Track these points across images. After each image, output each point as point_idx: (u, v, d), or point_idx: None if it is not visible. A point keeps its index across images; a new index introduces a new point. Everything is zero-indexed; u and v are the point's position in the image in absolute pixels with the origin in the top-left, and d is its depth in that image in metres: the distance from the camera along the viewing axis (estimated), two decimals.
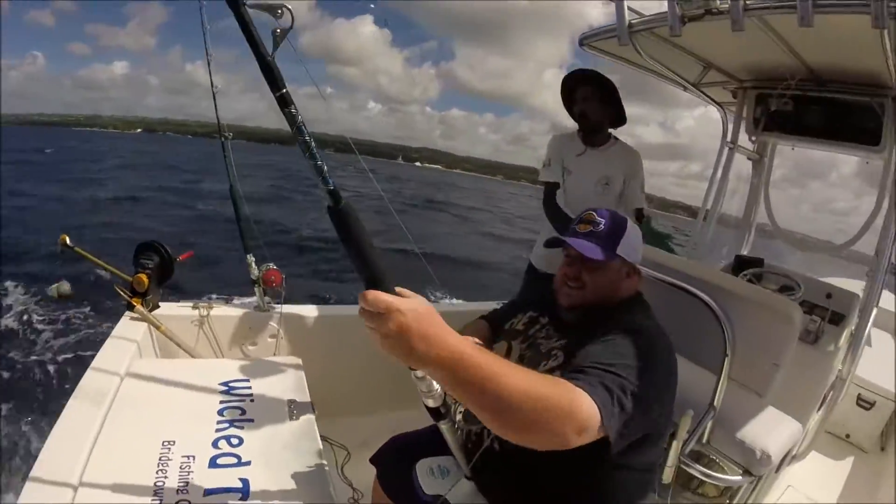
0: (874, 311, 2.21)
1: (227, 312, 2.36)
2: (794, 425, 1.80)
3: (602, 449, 1.14)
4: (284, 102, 0.85)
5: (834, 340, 2.36)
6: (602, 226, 1.35)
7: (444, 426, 1.16)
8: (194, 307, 2.27)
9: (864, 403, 3.09)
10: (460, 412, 1.26)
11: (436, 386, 1.03)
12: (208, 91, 2.17)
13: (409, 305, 0.82)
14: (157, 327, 2.06)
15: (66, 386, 1.53)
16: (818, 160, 3.40)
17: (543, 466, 1.23)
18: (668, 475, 1.54)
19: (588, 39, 2.29)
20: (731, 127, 3.02)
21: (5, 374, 4.77)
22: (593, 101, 2.52)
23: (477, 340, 1.42)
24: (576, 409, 0.93)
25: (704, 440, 1.66)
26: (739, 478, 1.64)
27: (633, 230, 1.39)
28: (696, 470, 1.60)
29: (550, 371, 1.27)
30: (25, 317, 6.16)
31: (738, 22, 1.63)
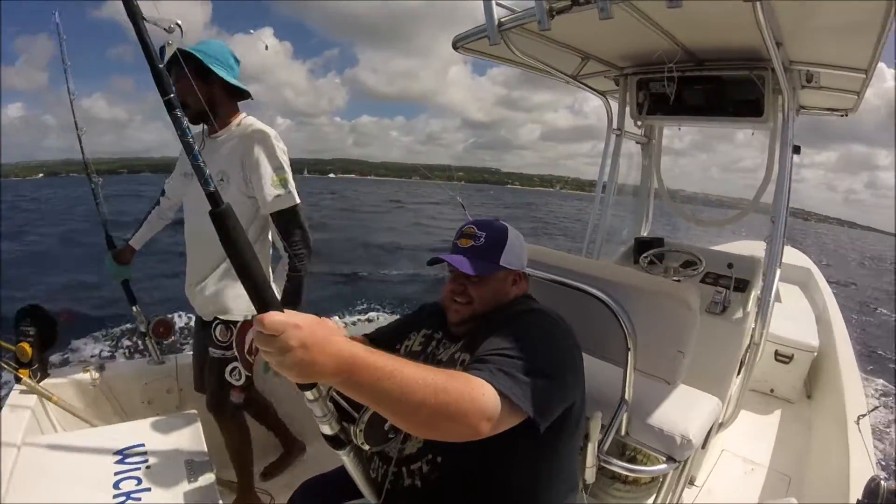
0: (777, 272, 2.31)
1: (120, 371, 2.26)
2: (712, 401, 1.85)
3: (530, 459, 1.16)
4: (171, 106, 0.90)
5: (741, 307, 2.46)
6: (483, 238, 1.35)
7: (345, 457, 1.12)
8: (85, 370, 2.14)
9: (783, 358, 3.25)
10: (360, 431, 1.21)
11: (330, 407, 1.02)
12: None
13: (304, 320, 0.83)
14: (49, 398, 1.93)
15: None
16: None
17: (471, 493, 1.20)
18: (590, 475, 1.54)
19: (461, 42, 2.23)
20: (615, 114, 3.08)
21: None
22: (186, 81, 1.82)
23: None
24: (477, 396, 0.94)
25: (623, 433, 1.67)
26: (663, 466, 1.66)
27: (514, 237, 1.39)
28: (619, 466, 1.61)
29: None
30: None
31: (606, 10, 1.63)
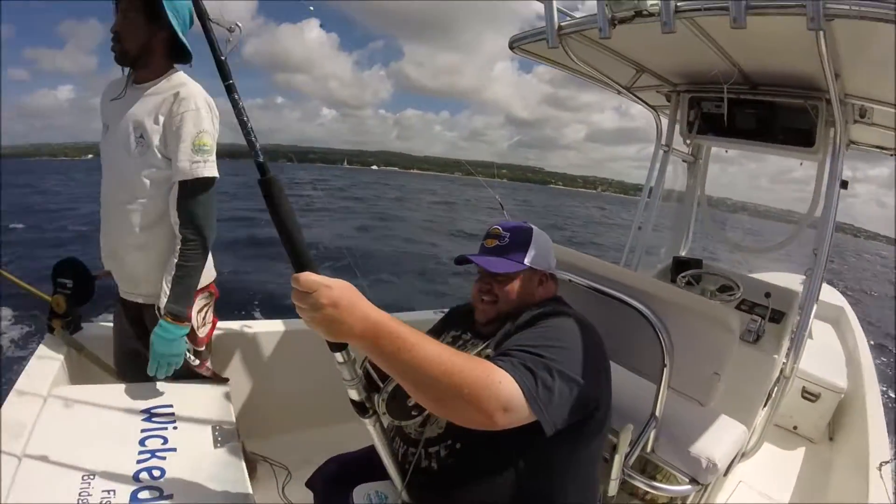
0: (814, 308, 2.27)
1: None
2: (739, 429, 1.81)
3: (546, 460, 1.16)
4: (230, 90, 0.99)
5: (775, 338, 2.42)
6: (507, 238, 1.40)
7: (370, 426, 1.14)
8: None
9: (810, 396, 3.17)
10: (383, 400, 1.25)
11: (358, 373, 1.06)
12: None
13: (335, 282, 0.89)
14: (79, 350, 1.96)
15: None
16: None
17: (485, 485, 1.20)
18: (613, 487, 1.52)
19: (517, 42, 2.25)
20: (664, 130, 3.05)
21: None
22: (135, 16, 1.65)
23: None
24: (494, 384, 0.96)
25: (649, 449, 1.65)
26: (687, 487, 1.64)
27: (540, 238, 1.43)
28: (641, 482, 1.59)
29: None
30: None
31: (669, 24, 1.63)
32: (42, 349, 1.88)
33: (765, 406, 2.31)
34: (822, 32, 1.53)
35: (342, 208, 26.80)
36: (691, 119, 2.80)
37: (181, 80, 1.74)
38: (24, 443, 1.38)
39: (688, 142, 3.03)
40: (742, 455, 2.28)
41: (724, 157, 3.26)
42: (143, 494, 1.26)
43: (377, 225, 21.53)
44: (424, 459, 1.26)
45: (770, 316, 2.49)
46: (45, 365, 1.79)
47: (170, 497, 1.27)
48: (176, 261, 1.67)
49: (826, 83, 1.87)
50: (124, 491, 1.26)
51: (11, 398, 1.56)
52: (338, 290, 0.88)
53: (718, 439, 1.70)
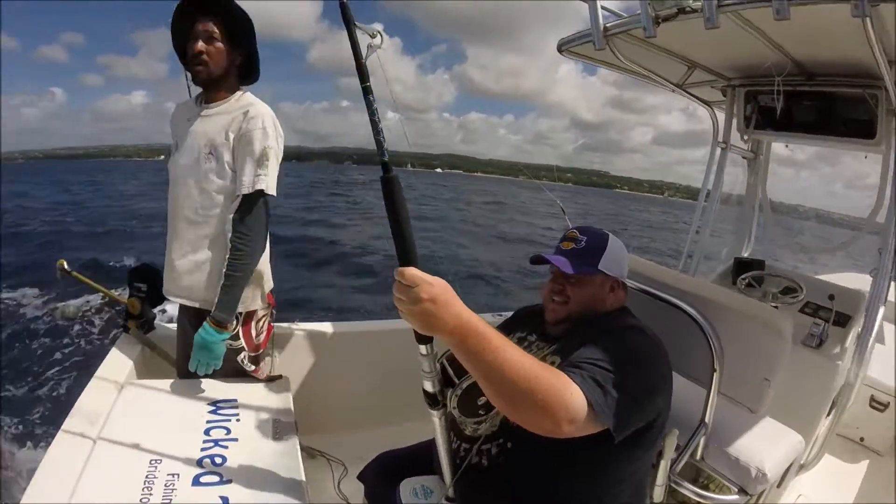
0: (881, 310, 2.16)
1: None
2: (794, 438, 1.74)
3: (597, 466, 1.19)
4: (367, 92, 1.06)
5: (839, 343, 2.30)
6: (584, 242, 1.41)
7: (436, 418, 1.18)
8: None
9: (878, 405, 2.96)
10: (456, 396, 1.29)
11: (436, 367, 1.11)
12: None
13: (437, 280, 0.95)
14: (151, 348, 2.11)
15: (66, 400, 1.61)
16: None
17: (532, 485, 1.23)
18: (658, 494, 1.50)
19: (566, 45, 2.24)
20: (721, 126, 2.96)
21: (10, 390, 5.04)
22: (221, 41, 1.78)
23: None
24: (566, 394, 0.99)
25: (698, 457, 1.61)
26: (735, 497, 1.59)
27: (615, 245, 1.43)
28: (688, 489, 1.56)
29: None
30: (31, 335, 6.35)
31: (712, 19, 1.61)
32: (118, 346, 2.03)
33: (828, 415, 2.20)
34: (868, 19, 1.46)
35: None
36: (748, 114, 2.70)
37: (249, 99, 1.85)
38: (99, 428, 1.51)
39: (745, 137, 2.93)
40: (801, 467, 2.19)
41: (797, 161, 3.13)
42: (205, 478, 1.37)
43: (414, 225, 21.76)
44: (476, 456, 1.29)
45: (834, 319, 2.37)
46: (120, 360, 1.94)
47: (229, 482, 1.37)
48: (224, 270, 1.76)
49: (880, 70, 1.77)
50: (188, 474, 1.37)
51: (90, 389, 1.71)
52: (438, 288, 0.93)
53: (770, 448, 1.64)
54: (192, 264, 1.85)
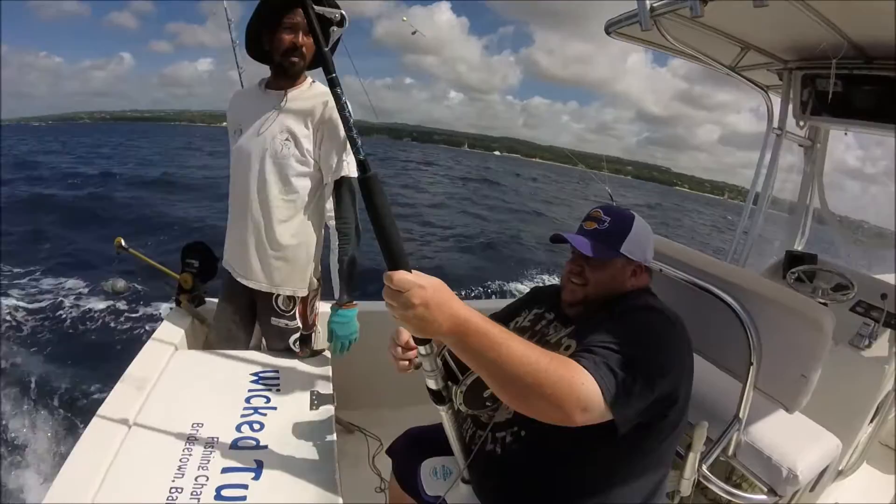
0: None
1: None
2: (832, 442, 1.69)
3: (610, 454, 1.16)
4: (332, 84, 1.10)
5: (890, 345, 2.18)
6: (607, 224, 1.35)
7: (443, 413, 1.19)
8: None
9: None
10: (461, 392, 1.27)
11: (438, 364, 1.10)
12: None
13: (428, 281, 0.90)
14: (201, 322, 2.22)
15: (119, 368, 1.73)
16: None
17: (545, 473, 1.23)
18: (685, 487, 1.47)
19: (613, 27, 2.17)
20: (776, 112, 2.80)
21: (68, 359, 5.24)
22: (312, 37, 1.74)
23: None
24: (577, 384, 0.96)
25: (730, 453, 1.57)
26: (764, 497, 1.55)
27: (640, 228, 1.37)
28: (716, 486, 1.52)
29: None
30: (88, 308, 6.77)
31: None
32: (169, 318, 2.15)
33: (871, 421, 2.11)
34: None
35: (426, 183, 27.16)
36: (805, 99, 2.56)
37: (323, 88, 1.88)
38: (147, 391, 1.63)
39: (801, 124, 2.77)
40: (839, 473, 2.09)
41: (866, 175, 2.95)
42: (243, 443, 1.47)
43: (448, 203, 21.54)
44: (490, 443, 1.31)
45: (885, 320, 2.23)
46: (172, 330, 2.05)
47: (265, 447, 1.46)
48: (338, 256, 1.89)
49: None
50: (227, 436, 1.48)
51: (141, 356, 1.82)
52: (430, 291, 0.89)
53: (805, 449, 1.59)
54: (260, 246, 1.90)
